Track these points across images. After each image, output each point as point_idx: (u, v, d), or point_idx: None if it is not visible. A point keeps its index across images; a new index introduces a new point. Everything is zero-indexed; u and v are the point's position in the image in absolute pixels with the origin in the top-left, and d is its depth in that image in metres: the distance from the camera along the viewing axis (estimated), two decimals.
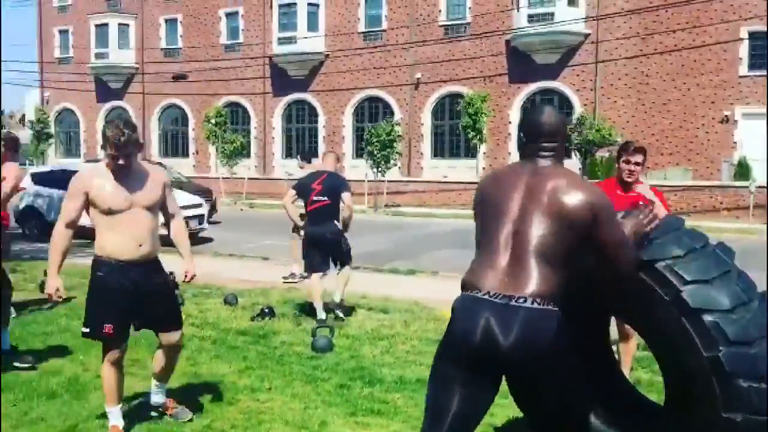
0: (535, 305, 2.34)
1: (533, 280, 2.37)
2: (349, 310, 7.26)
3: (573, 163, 23.52)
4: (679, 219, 2.97)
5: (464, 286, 2.49)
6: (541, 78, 26.47)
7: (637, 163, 4.52)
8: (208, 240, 14.16)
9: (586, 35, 25.57)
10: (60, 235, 3.80)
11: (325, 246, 6.87)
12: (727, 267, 2.75)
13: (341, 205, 6.89)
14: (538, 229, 2.41)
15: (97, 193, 3.67)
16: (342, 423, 4.12)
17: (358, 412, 4.26)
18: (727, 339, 2.59)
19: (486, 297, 2.37)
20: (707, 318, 2.61)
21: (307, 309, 7.22)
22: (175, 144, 36.10)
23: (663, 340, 2.80)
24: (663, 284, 2.68)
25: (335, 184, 6.86)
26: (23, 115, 46.47)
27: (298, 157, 9.03)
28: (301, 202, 7.07)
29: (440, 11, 28.62)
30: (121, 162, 3.63)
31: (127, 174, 3.72)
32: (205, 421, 4.12)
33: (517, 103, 27.03)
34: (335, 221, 6.88)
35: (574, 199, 2.42)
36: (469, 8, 27.91)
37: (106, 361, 3.85)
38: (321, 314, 6.75)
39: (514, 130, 27.11)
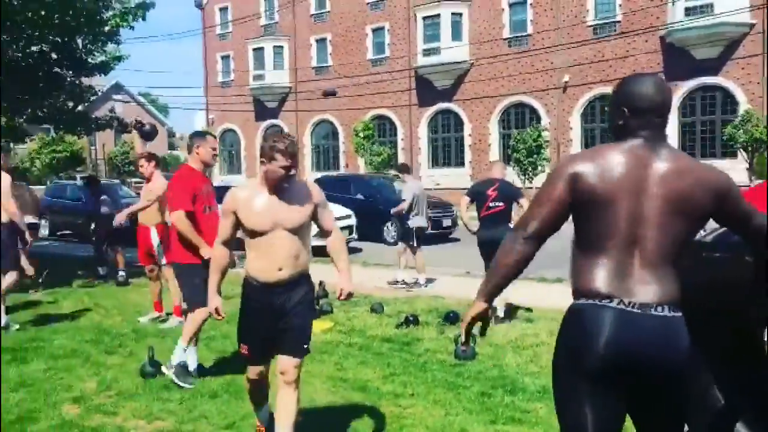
0: (672, 313, 2.19)
1: (665, 285, 2.19)
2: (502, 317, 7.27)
3: (738, 163, 21.86)
4: None
5: (585, 293, 2.24)
6: (701, 74, 24.84)
7: None
8: (358, 250, 14.59)
9: (751, 25, 23.70)
10: (217, 253, 3.75)
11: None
12: None
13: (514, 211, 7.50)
14: (664, 227, 2.19)
15: (243, 213, 3.56)
16: (482, 430, 4.11)
17: (499, 420, 4.23)
18: None
19: (619, 306, 2.17)
20: None
21: (451, 317, 7.25)
22: (326, 158, 37.57)
23: None
24: None
25: (510, 192, 7.50)
26: None
27: (397, 171, 10.69)
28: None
29: (588, 11, 27.74)
30: (292, 172, 3.50)
31: (282, 191, 3.55)
32: (349, 424, 4.27)
33: (676, 102, 25.51)
34: (509, 225, 7.22)
35: (703, 183, 2.19)
36: (619, 5, 26.82)
37: (246, 376, 3.89)
38: (499, 312, 7.25)
39: (673, 129, 25.63)
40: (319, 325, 7.16)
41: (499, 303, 7.28)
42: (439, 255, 13.07)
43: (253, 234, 3.55)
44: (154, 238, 7.37)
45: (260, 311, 3.62)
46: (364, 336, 6.70)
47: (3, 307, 7.05)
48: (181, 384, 5.01)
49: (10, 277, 7.03)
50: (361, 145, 32.78)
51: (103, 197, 11.06)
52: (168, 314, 7.46)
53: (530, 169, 25.95)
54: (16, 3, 8.87)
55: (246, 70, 38.60)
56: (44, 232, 18.91)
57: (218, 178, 38.58)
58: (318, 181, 18.48)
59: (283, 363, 3.66)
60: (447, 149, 32.98)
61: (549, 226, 2.29)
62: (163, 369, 5.15)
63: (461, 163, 32.10)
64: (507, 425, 4.18)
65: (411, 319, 7.12)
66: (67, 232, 18.15)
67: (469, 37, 30.89)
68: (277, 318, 3.61)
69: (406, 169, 10.25)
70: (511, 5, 29.92)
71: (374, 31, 34.42)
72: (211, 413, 4.50)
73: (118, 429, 4.27)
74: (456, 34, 31.05)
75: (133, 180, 41.70)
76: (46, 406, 4.65)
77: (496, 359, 5.79)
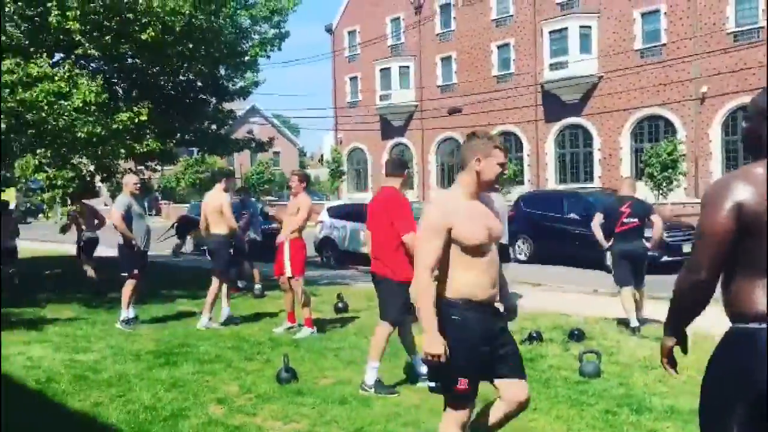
0: None
1: None
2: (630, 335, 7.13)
3: None
4: None
5: (754, 316, 2.17)
6: None
7: None
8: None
9: None
10: (426, 284, 3.11)
11: (635, 262, 7.70)
12: None
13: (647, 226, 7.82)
14: None
15: (462, 228, 3.10)
16: None
17: None
18: None
19: None
20: None
21: (576, 334, 7.20)
22: (451, 175, 37.77)
23: None
24: None
25: (643, 209, 7.88)
26: (321, 155, 52.18)
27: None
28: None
29: (727, 18, 26.34)
30: (505, 170, 3.26)
31: (482, 202, 3.31)
32: None
33: None
34: (643, 240, 7.81)
35: None
36: (763, 10, 25.26)
37: (450, 423, 3.27)
38: (634, 322, 7.44)
39: None
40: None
41: (632, 314, 7.50)
42: (562, 272, 12.88)
43: (472, 250, 3.13)
44: (287, 252, 7.83)
45: (483, 337, 3.16)
46: None
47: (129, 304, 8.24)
48: (386, 395, 5.26)
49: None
50: None
51: (243, 212, 11.77)
52: (300, 325, 7.89)
53: (664, 183, 24.88)
54: (169, 39, 9.75)
55: (373, 90, 39.66)
56: (189, 248, 20.33)
57: (345, 196, 39.80)
58: (522, 198, 18.07)
59: (517, 388, 3.34)
60: (575, 164, 32.25)
61: (721, 263, 2.23)
62: (362, 392, 5.34)
63: (590, 179, 31.26)
64: None
65: (535, 335, 7.14)
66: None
67: (598, 49, 30.17)
68: (496, 341, 3.24)
69: None
70: (643, 15, 28.96)
71: (499, 47, 34.36)
72: (341, 418, 4.78)
73: (258, 428, 4.63)
74: (584, 47, 30.42)
75: (268, 198, 43.84)
76: (195, 405, 5.11)
77: (622, 378, 5.72)
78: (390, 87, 38.70)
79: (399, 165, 5.79)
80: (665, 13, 28.22)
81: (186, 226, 19.13)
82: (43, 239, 25.15)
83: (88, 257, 11.30)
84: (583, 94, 30.88)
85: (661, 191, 24.78)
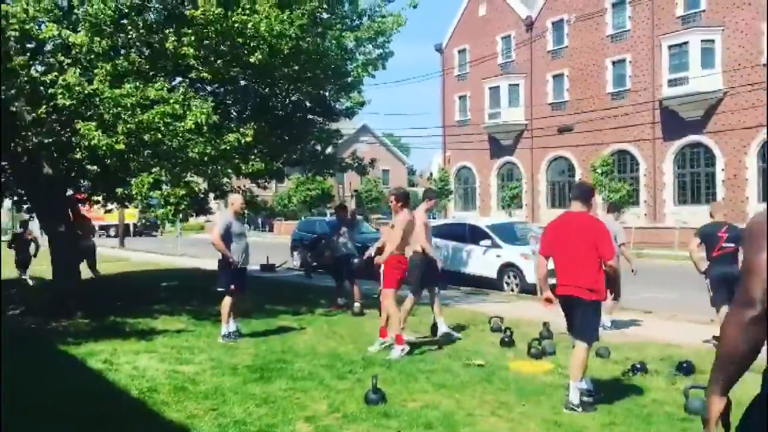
0: None
1: None
2: None
3: None
4: None
5: None
6: None
7: None
8: None
9: None
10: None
11: (732, 285, 7.48)
12: None
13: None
14: None
15: None
16: None
17: None
18: None
19: None
20: None
21: (684, 367, 6.75)
22: (561, 195, 36.81)
23: None
24: None
25: (738, 233, 7.82)
26: (430, 174, 52.24)
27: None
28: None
29: None
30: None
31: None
32: None
33: None
34: (738, 265, 7.61)
35: None
36: None
37: None
38: None
39: None
40: (540, 367, 7.08)
41: None
42: (674, 299, 12.17)
43: None
44: (382, 267, 7.84)
45: None
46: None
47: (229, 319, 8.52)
48: (591, 412, 5.38)
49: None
50: (599, 181, 31.66)
51: (343, 230, 11.91)
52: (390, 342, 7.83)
53: None
54: (277, 61, 10.07)
55: (482, 108, 39.39)
56: (295, 263, 20.88)
57: (451, 215, 39.58)
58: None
59: None
60: (696, 185, 30.60)
61: None
62: (566, 411, 5.42)
63: (713, 200, 29.50)
64: None
65: (638, 366, 6.76)
66: (315, 264, 19.85)
67: (722, 64, 28.57)
68: None
69: None
70: None
71: (614, 63, 33.28)
72: None
73: None
74: (706, 62, 28.91)
75: (376, 216, 44.36)
76: (283, 422, 5.17)
77: (734, 417, 5.27)
78: (499, 105, 38.31)
79: (589, 191, 6.05)
80: None
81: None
82: (164, 252, 26.59)
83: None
84: (705, 111, 29.31)
85: None
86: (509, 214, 35.91)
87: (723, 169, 29.13)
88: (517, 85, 38.00)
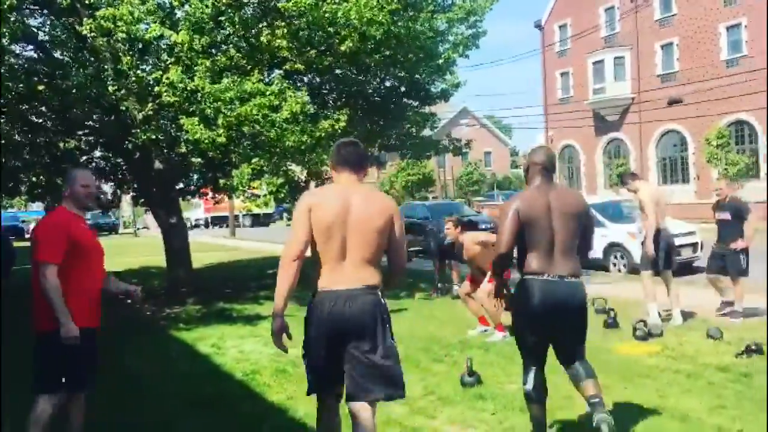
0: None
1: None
2: None
3: None
4: None
5: (527, 272, 4.10)
6: None
7: None
8: (702, 269, 13.37)
9: None
10: None
11: None
12: None
13: None
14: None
15: None
16: None
17: None
18: None
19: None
20: None
21: None
22: (674, 170, 35.09)
23: None
24: None
25: None
26: None
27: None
28: None
29: None
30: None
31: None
32: None
33: None
34: None
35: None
36: None
37: None
38: None
39: None
40: (645, 348, 6.82)
41: None
42: None
43: None
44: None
45: None
46: (696, 363, 6.17)
47: None
48: None
49: None
50: (714, 154, 29.94)
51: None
52: (493, 329, 7.76)
53: None
54: (368, 47, 10.14)
55: (585, 84, 38.09)
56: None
57: None
58: None
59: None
60: None
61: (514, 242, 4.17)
62: None
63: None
64: None
65: (754, 347, 6.35)
66: (416, 248, 19.94)
67: None
68: None
69: None
70: None
71: (728, 28, 31.24)
72: (520, 426, 4.62)
73: (434, 431, 4.63)
74: None
75: (478, 199, 44.01)
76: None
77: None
78: (604, 80, 36.87)
79: None
80: None
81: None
82: (274, 241, 27.50)
83: None
84: None
85: None
86: (617, 192, 34.58)
87: None
88: (623, 57, 36.40)
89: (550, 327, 4.09)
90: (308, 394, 3.66)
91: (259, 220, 45.83)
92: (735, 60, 30.89)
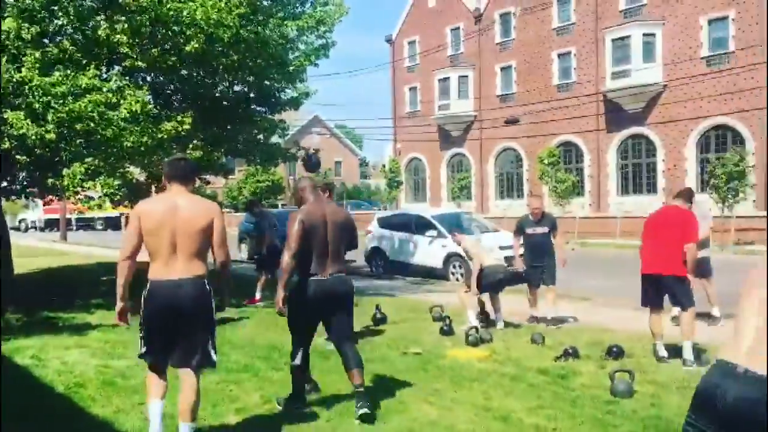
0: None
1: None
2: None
3: None
4: None
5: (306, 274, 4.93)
6: None
7: None
8: None
9: None
10: None
11: None
12: None
13: None
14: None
15: None
16: None
17: None
18: None
19: None
20: None
21: (614, 351, 6.91)
22: (509, 185, 37.29)
23: None
24: None
25: None
26: (383, 165, 52.37)
27: None
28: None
29: None
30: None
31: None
32: None
33: None
34: None
35: None
36: None
37: None
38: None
39: None
40: (476, 353, 7.16)
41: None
42: (613, 287, 12.45)
43: None
44: None
45: None
46: (520, 366, 6.59)
47: None
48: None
49: None
50: (545, 172, 32.18)
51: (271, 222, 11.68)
52: None
53: (730, 196, 23.89)
54: (215, 50, 9.92)
55: (432, 100, 39.59)
56: (243, 255, 20.65)
57: (403, 206, 39.74)
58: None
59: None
60: (638, 175, 31.34)
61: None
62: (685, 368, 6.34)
63: (653, 190, 30.33)
64: None
65: (570, 351, 6.89)
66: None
67: (662, 57, 29.30)
68: None
69: None
70: (710, 22, 28.00)
71: (560, 56, 33.81)
72: None
73: None
74: (647, 55, 29.61)
75: None
76: (212, 415, 5.12)
77: (655, 399, 5.44)
78: (449, 97, 38.53)
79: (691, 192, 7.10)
80: (733, 19, 27.22)
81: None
82: (109, 246, 26.01)
83: None
84: (647, 103, 30.03)
85: (725, 203, 23.78)
86: (458, 205, 36.20)
87: (663, 160, 29.90)
88: (467, 76, 38.27)
89: (323, 311, 5.04)
90: (140, 356, 4.38)
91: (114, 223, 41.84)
92: (566, 85, 33.42)
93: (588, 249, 23.62)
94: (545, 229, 9.02)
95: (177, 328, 4.12)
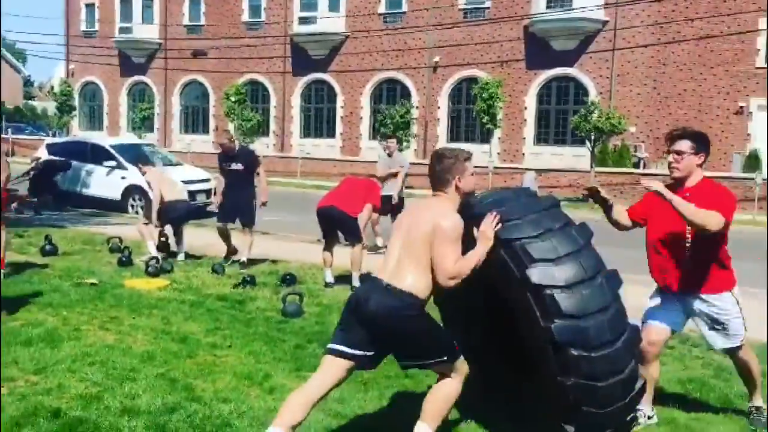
0: None
1: None
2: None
3: (583, 151, 23.56)
4: (545, 199, 3.33)
5: None
6: (558, 64, 26.39)
7: (678, 152, 3.84)
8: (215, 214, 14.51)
9: (605, 22, 25.43)
10: None
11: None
12: (576, 246, 3.06)
13: None
14: None
15: None
16: (284, 376, 4.47)
17: (303, 368, 4.60)
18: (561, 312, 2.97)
19: None
20: (546, 293, 3.01)
21: (288, 279, 7.56)
22: (196, 120, 36.63)
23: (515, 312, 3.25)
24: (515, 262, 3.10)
25: None
26: (51, 87, 47.31)
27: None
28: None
29: None
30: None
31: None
32: (160, 370, 4.48)
33: (533, 90, 27.06)
34: None
35: None
36: None
37: None
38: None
39: (529, 116, 27.17)
40: (155, 283, 7.26)
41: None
42: (297, 222, 13.32)
43: None
44: None
45: None
46: (199, 294, 6.88)
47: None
48: None
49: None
50: (232, 109, 32.19)
51: None
52: None
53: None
54: None
55: (112, 21, 36.75)
56: None
57: (76, 133, 36.65)
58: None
59: None
60: (319, 119, 33.09)
61: None
62: None
63: (332, 135, 32.37)
64: (310, 372, 4.51)
65: (248, 279, 7.36)
66: None
67: (346, 8, 31.01)
68: None
69: None
70: None
71: None
72: (23, 358, 4.55)
73: None
74: (333, 5, 31.06)
75: None
76: None
77: (321, 317, 6.17)
78: (131, 20, 36.13)
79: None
80: None
81: None
82: None
83: None
84: (330, 51, 31.65)
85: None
86: (140, 136, 34.51)
87: (342, 107, 31.98)
88: (151, 1, 36.17)
89: None
90: None
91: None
92: (255, 24, 33.57)
93: (271, 187, 24.44)
94: (239, 166, 8.63)
95: None
